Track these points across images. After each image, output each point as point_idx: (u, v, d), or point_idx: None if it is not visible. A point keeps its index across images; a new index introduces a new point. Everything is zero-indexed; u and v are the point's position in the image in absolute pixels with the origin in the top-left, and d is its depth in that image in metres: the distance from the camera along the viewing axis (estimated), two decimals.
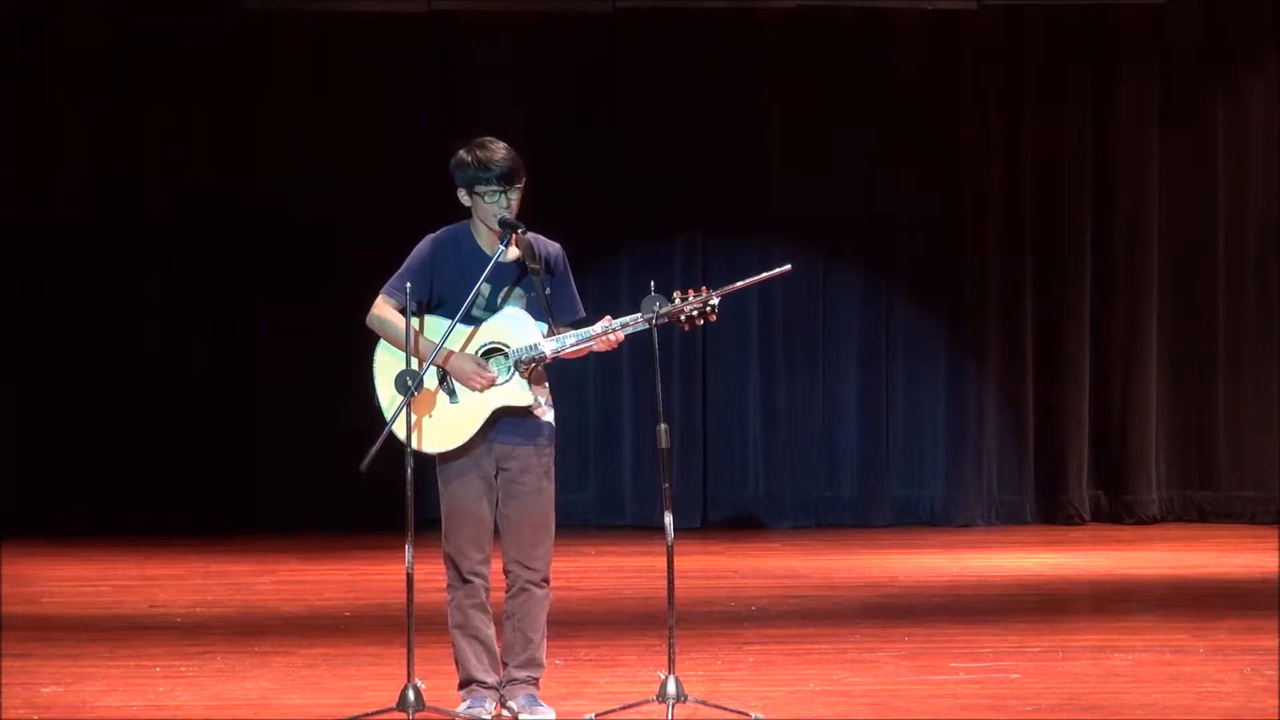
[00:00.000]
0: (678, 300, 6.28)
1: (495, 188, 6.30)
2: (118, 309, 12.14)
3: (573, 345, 6.32)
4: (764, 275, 6.54)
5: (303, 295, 12.04)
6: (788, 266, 6.65)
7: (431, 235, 6.44)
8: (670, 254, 12.33)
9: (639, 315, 6.29)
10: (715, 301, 6.29)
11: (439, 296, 6.36)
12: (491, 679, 6.44)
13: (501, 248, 6.28)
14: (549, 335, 6.32)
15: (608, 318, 6.33)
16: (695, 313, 6.28)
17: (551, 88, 12.31)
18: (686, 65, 12.32)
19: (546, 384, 6.45)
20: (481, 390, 6.28)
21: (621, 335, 6.34)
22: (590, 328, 6.33)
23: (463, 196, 6.37)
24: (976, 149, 12.41)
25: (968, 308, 12.44)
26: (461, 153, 6.35)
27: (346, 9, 12.28)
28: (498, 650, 6.46)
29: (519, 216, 6.31)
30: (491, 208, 6.30)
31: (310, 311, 11.94)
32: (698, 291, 6.31)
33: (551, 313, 6.36)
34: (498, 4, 12.38)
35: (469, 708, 6.39)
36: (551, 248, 6.43)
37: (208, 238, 12.21)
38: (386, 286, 6.40)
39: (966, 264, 12.43)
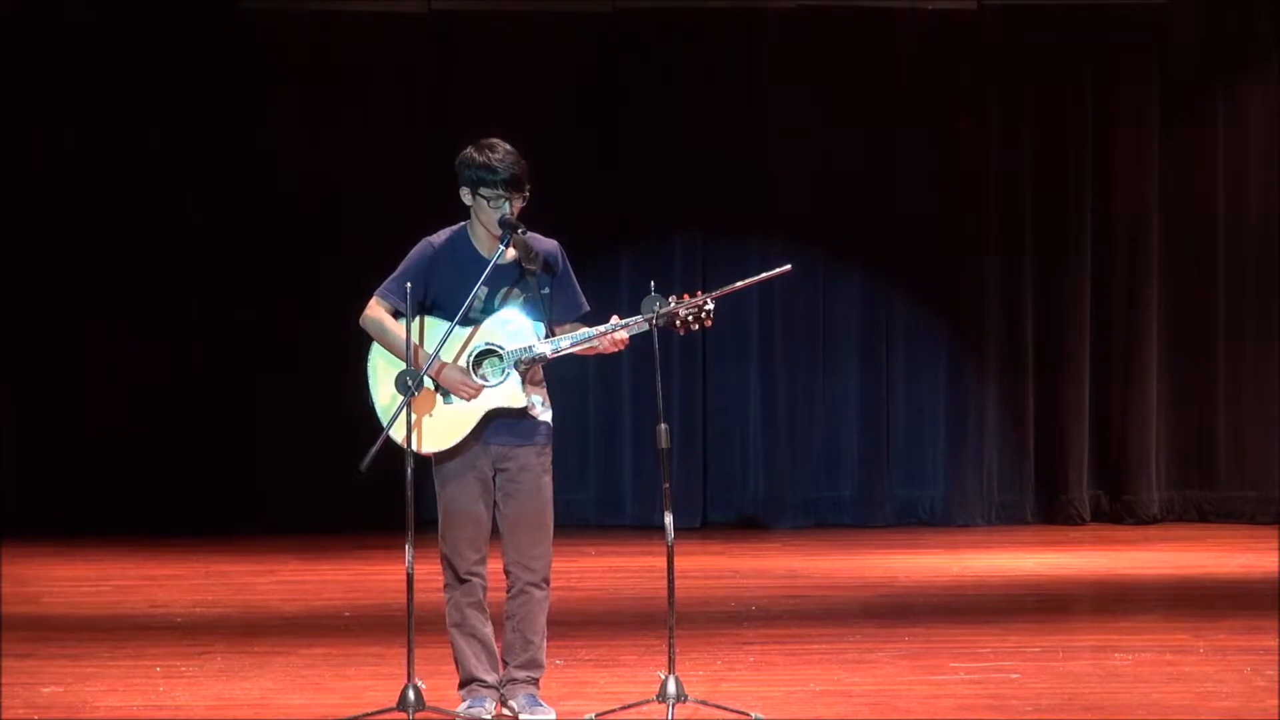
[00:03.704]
0: (673, 303, 6.27)
1: (500, 193, 6.27)
2: (117, 308, 12.12)
3: (569, 348, 6.31)
4: (763, 275, 6.54)
5: (302, 294, 12.04)
6: (788, 267, 6.65)
7: (428, 238, 6.42)
8: (670, 254, 12.32)
9: (639, 316, 6.29)
10: (710, 306, 6.28)
11: (434, 300, 6.34)
12: (491, 678, 6.43)
13: (501, 249, 6.26)
14: (546, 336, 6.31)
15: (615, 317, 6.32)
16: (690, 317, 6.27)
17: (551, 88, 12.30)
18: (686, 65, 12.32)
19: (544, 384, 6.44)
20: (469, 400, 6.27)
21: (625, 337, 6.32)
22: (590, 329, 6.31)
23: (465, 195, 6.35)
24: (977, 149, 12.41)
25: (968, 308, 12.43)
26: (472, 151, 6.31)
27: (346, 8, 12.28)
28: (497, 650, 6.46)
29: (518, 218, 6.30)
30: (494, 212, 6.28)
31: (310, 310, 11.93)
32: (693, 296, 6.30)
33: (554, 312, 6.35)
34: (498, 4, 12.38)
35: (469, 707, 6.39)
36: (549, 245, 6.41)
37: (207, 236, 12.21)
38: (381, 289, 6.39)
39: (966, 264, 12.43)
